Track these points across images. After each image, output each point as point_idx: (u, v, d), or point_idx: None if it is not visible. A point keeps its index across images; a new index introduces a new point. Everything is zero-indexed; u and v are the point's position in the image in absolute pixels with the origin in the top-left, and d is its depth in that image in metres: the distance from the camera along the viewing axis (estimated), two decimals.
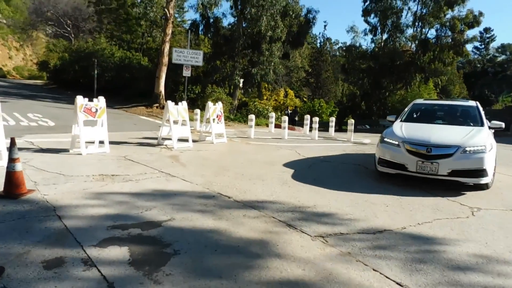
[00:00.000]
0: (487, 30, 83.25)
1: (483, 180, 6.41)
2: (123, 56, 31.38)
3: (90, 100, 8.30)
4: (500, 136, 8.99)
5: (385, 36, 40.19)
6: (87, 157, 7.69)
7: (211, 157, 9.11)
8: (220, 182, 6.31)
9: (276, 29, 25.31)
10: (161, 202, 4.92)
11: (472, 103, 8.74)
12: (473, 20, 35.94)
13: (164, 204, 4.87)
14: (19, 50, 60.32)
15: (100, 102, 8.42)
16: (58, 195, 4.93)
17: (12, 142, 4.77)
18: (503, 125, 7.73)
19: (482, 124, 7.64)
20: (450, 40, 37.02)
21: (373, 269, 3.39)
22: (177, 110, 10.11)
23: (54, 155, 7.72)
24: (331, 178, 7.35)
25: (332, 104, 42.28)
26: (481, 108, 8.31)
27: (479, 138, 6.72)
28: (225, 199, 5.35)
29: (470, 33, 38.64)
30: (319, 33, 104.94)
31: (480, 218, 5.11)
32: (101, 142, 8.52)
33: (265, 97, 37.55)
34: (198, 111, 15.74)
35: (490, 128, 7.58)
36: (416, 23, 38.62)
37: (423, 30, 38.78)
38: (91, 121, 8.25)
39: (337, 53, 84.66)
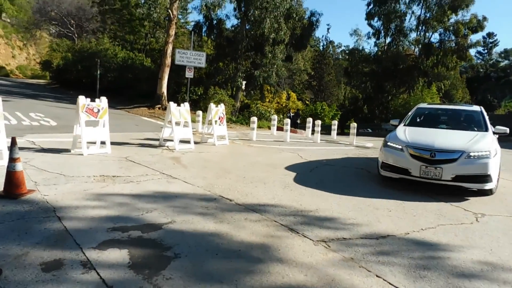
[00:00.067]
0: (490, 35, 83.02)
1: (488, 186, 6.35)
2: (126, 57, 31.39)
3: (92, 100, 8.28)
4: (504, 141, 8.92)
5: (388, 39, 40.11)
6: (88, 158, 7.66)
7: (213, 159, 9.07)
8: (222, 185, 6.27)
9: (279, 32, 25.30)
10: (162, 204, 4.88)
11: (476, 108, 8.68)
12: (477, 25, 35.86)
13: (165, 206, 4.82)
14: (22, 49, 60.43)
15: (102, 102, 8.39)
16: (58, 195, 4.90)
17: (13, 142, 4.73)
18: (507, 130, 7.66)
19: (486, 129, 7.58)
20: (454, 45, 36.92)
21: (377, 275, 3.34)
22: (179, 111, 10.08)
23: (55, 155, 7.69)
24: (333, 182, 7.30)
25: (335, 107, 42.09)
26: (485, 113, 8.24)
27: (484, 143, 6.67)
28: (227, 202, 5.30)
29: (474, 37, 38.68)
30: (322, 36, 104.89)
31: (484, 224, 5.05)
32: (103, 143, 8.49)
33: (267, 100, 37.48)
34: (200, 112, 15.71)
35: (494, 133, 7.51)
36: (420, 27, 38.55)
37: (427, 34, 38.70)
38: (93, 121, 8.22)
39: (340, 56, 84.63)
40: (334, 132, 17.53)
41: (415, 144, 6.73)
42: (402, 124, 8.27)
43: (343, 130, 33.09)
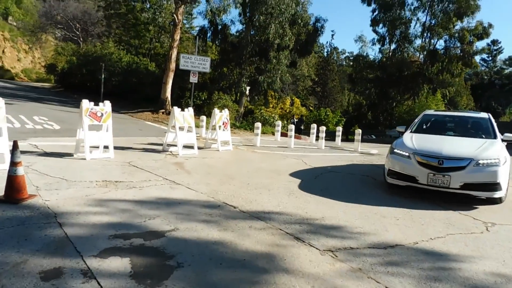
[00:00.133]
0: (494, 42, 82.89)
1: (497, 194, 6.23)
2: (131, 61, 31.44)
3: (96, 104, 8.21)
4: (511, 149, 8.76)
5: (393, 46, 40.15)
6: (91, 162, 7.58)
7: (217, 165, 8.98)
8: (226, 191, 6.17)
9: (284, 37, 25.26)
10: (165, 211, 4.78)
11: (484, 115, 8.56)
12: (482, 32, 35.85)
13: (168, 213, 4.73)
14: (28, 52, 60.68)
15: (106, 106, 8.33)
16: (60, 201, 4.81)
17: (15, 146, 4.65)
18: None
19: (495, 137, 7.46)
20: (459, 51, 36.86)
21: (386, 287, 3.23)
22: (183, 116, 10.01)
23: (57, 159, 7.61)
24: (339, 189, 7.19)
25: (339, 114, 42.04)
26: (493, 120, 8.12)
27: (493, 150, 6.55)
28: (231, 209, 5.20)
29: (479, 44, 38.56)
30: (326, 42, 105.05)
31: (495, 234, 4.93)
32: (106, 147, 8.42)
33: (271, 105, 37.42)
34: (204, 117, 15.65)
35: (503, 140, 7.40)
36: (425, 34, 38.58)
37: (432, 40, 38.73)
38: (96, 125, 8.15)
39: (344, 63, 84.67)
40: (338, 138, 17.43)
41: (423, 151, 6.62)
42: (408, 131, 8.16)
43: (347, 136, 32.99)
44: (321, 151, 13.69)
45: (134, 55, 34.28)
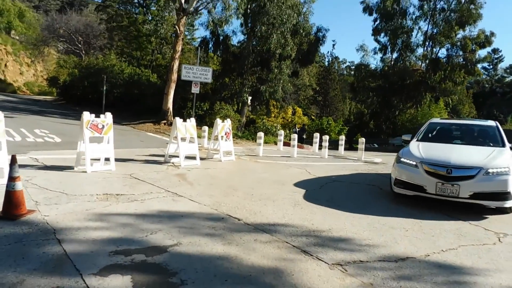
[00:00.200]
0: (495, 51, 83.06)
1: (507, 204, 6.06)
2: (133, 73, 31.48)
3: (97, 116, 8.11)
4: None
5: (395, 55, 40.15)
6: (92, 175, 7.45)
7: (219, 175, 8.85)
8: (229, 203, 6.03)
9: (286, 47, 25.30)
10: (167, 225, 4.64)
11: (491, 123, 8.42)
12: (484, 40, 35.83)
13: (170, 227, 4.58)
14: (30, 66, 60.93)
15: (107, 118, 8.22)
16: (59, 216, 4.67)
17: (13, 160, 4.53)
18: None
19: (503, 145, 7.32)
20: (462, 60, 36.85)
21: None
22: (185, 127, 9.91)
23: (58, 172, 7.48)
24: (344, 199, 7.05)
25: (341, 122, 41.98)
26: (501, 129, 7.99)
27: (502, 159, 6.41)
28: (235, 221, 5.06)
29: (481, 53, 38.50)
30: (328, 51, 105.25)
31: (508, 245, 4.77)
32: (107, 159, 8.30)
33: (273, 115, 37.40)
34: (206, 128, 15.54)
35: (511, 149, 7.25)
36: (427, 43, 38.57)
37: (434, 49, 38.69)
38: (98, 137, 8.04)
39: (345, 72, 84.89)
40: (341, 147, 17.27)
41: (430, 160, 6.48)
42: (414, 139, 8.02)
43: (351, 145, 32.86)
44: (325, 160, 13.55)
45: (136, 66, 34.35)
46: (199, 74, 20.70)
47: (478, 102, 76.40)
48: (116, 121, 9.85)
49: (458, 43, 36.58)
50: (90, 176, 7.38)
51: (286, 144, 18.26)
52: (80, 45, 47.34)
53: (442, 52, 38.94)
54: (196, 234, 4.41)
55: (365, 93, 42.58)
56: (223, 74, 28.40)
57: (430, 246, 4.55)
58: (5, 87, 50.91)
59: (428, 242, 4.69)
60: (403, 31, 38.04)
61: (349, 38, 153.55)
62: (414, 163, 6.62)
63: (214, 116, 19.73)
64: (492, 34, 36.17)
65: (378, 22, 39.54)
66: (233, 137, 13.43)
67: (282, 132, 18.40)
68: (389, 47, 39.61)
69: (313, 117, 51.85)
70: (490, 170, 6.08)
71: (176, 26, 22.95)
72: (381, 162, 13.91)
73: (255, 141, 16.72)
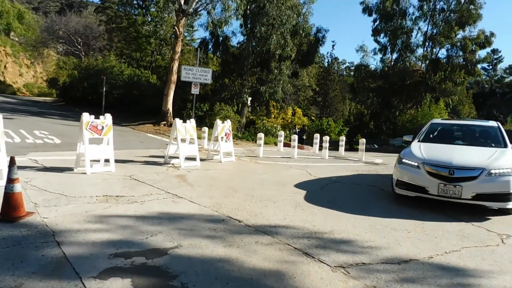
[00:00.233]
0: (494, 51, 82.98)
1: (510, 205, 6.01)
2: (132, 74, 31.46)
3: (97, 117, 8.07)
4: None
5: (395, 55, 40.06)
6: (92, 177, 7.41)
7: (220, 176, 8.81)
8: (230, 204, 5.99)
9: (285, 48, 25.25)
10: (167, 227, 4.59)
11: (493, 123, 8.37)
12: (484, 40, 35.79)
13: (170, 228, 4.54)
14: (29, 67, 60.93)
15: (107, 119, 8.18)
16: (58, 218, 4.63)
17: (12, 162, 4.48)
18: None
19: (505, 146, 7.27)
20: (462, 60, 36.81)
21: None
22: (185, 128, 9.86)
23: (57, 174, 7.44)
24: (346, 200, 7.01)
25: (341, 123, 41.96)
26: (503, 129, 7.94)
27: (505, 160, 6.36)
28: (235, 223, 5.01)
29: (481, 53, 38.48)
30: (327, 52, 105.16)
31: (511, 247, 4.72)
32: (107, 161, 8.25)
33: (272, 116, 37.36)
34: (206, 129, 15.48)
35: None
36: (427, 43, 38.50)
37: (434, 50, 38.64)
38: (97, 139, 8.00)
39: (344, 73, 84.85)
40: (342, 148, 17.22)
41: (432, 161, 6.44)
42: (416, 140, 7.97)
43: (351, 146, 32.83)
44: (325, 161, 13.51)
45: (135, 68, 34.33)
46: (199, 75, 20.66)
47: (478, 102, 76.40)
48: (116, 122, 9.81)
49: (458, 44, 36.54)
50: (89, 177, 7.33)
51: (286, 145, 18.21)
52: (79, 47, 47.35)
53: (442, 53, 38.96)
54: (197, 236, 4.37)
55: (365, 93, 42.51)
56: (222, 75, 28.36)
57: (433, 247, 4.50)
58: (5, 89, 50.89)
59: (430, 243, 4.65)
60: (403, 31, 37.98)
61: (349, 38, 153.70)
62: (416, 164, 6.57)
63: (214, 117, 19.67)
64: (492, 34, 36.16)
65: (377, 22, 39.50)
66: (233, 138, 13.39)
67: (282, 133, 18.36)
68: (389, 47, 39.55)
69: (313, 117, 51.82)
70: (492, 171, 6.03)
71: (176, 27, 22.93)
72: (381, 163, 13.88)
73: (255, 142, 16.68)
